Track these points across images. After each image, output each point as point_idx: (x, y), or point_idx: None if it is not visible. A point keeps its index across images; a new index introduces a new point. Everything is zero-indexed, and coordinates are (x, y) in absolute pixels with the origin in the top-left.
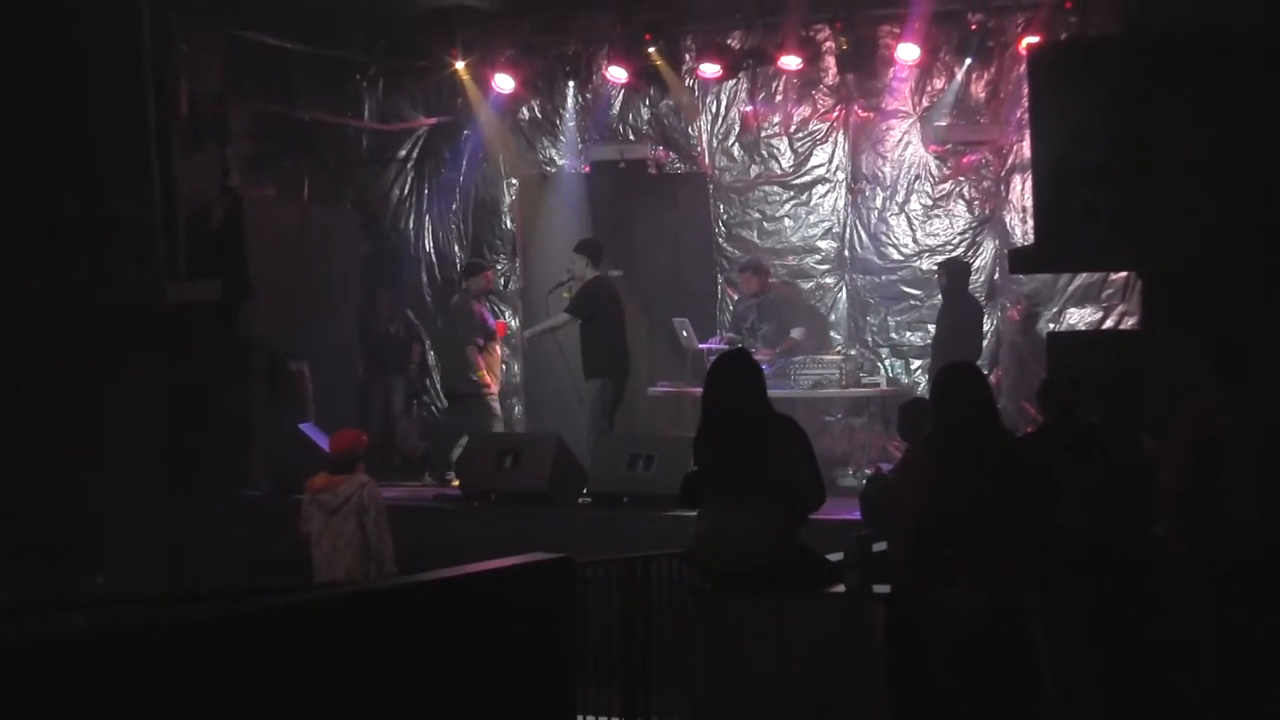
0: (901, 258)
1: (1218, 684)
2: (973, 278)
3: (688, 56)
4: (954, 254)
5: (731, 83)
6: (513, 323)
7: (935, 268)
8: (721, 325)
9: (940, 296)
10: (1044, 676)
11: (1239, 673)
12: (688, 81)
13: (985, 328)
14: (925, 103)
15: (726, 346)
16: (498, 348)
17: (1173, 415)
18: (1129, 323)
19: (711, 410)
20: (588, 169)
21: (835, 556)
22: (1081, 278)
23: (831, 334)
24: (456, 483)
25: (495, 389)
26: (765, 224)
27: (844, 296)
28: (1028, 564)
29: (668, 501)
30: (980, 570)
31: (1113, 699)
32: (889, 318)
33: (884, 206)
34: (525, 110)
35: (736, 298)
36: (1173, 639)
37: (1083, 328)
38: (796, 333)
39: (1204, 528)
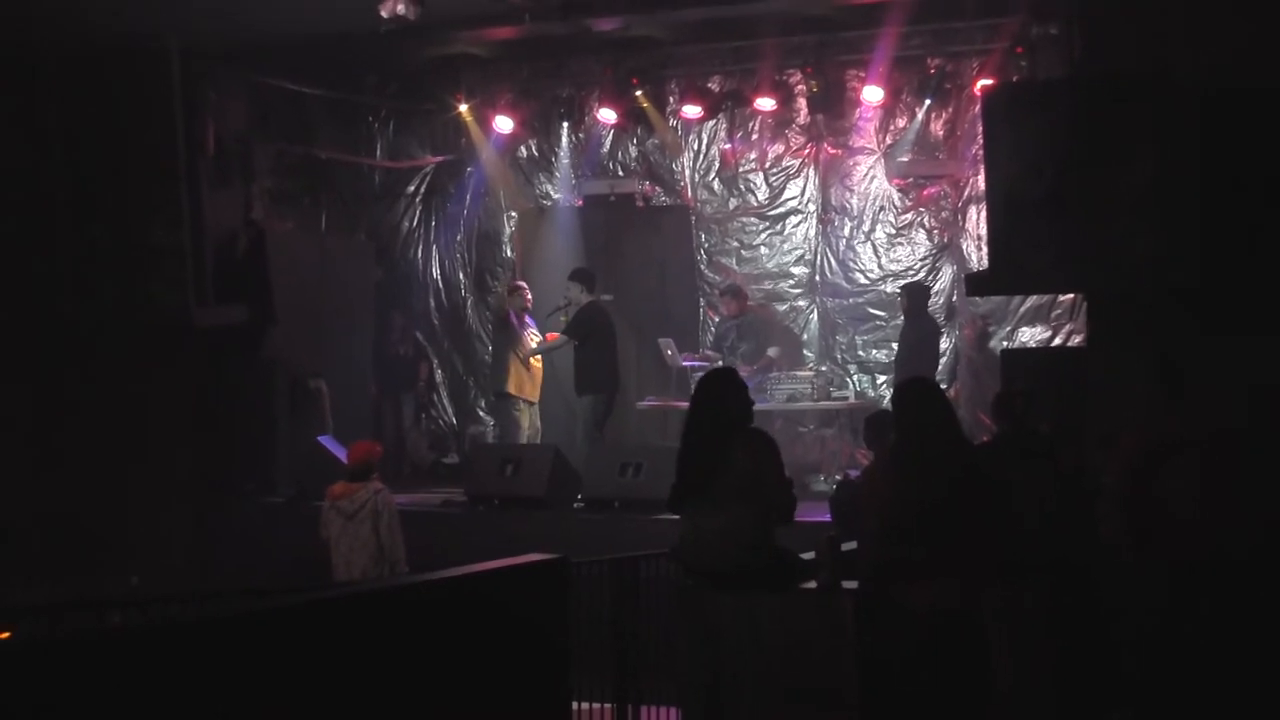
0: (868, 282)
1: (1163, 672)
2: (932, 300)
3: (671, 99)
4: (915, 278)
5: (711, 123)
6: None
7: (899, 290)
8: (703, 344)
9: (903, 317)
10: (997, 668)
11: (1184, 661)
12: (671, 122)
13: (944, 345)
14: (889, 140)
15: (706, 364)
16: (533, 360)
17: (1117, 425)
18: (1076, 340)
19: (693, 422)
20: (581, 202)
21: (807, 555)
22: (1032, 299)
23: (804, 352)
24: None
25: (518, 394)
26: (743, 252)
27: (815, 318)
28: (983, 563)
29: (655, 506)
30: (940, 569)
31: (1065, 689)
32: (856, 337)
33: (851, 235)
34: (523, 149)
35: (717, 319)
36: (1120, 632)
37: (1033, 345)
38: (773, 351)
39: (1147, 530)
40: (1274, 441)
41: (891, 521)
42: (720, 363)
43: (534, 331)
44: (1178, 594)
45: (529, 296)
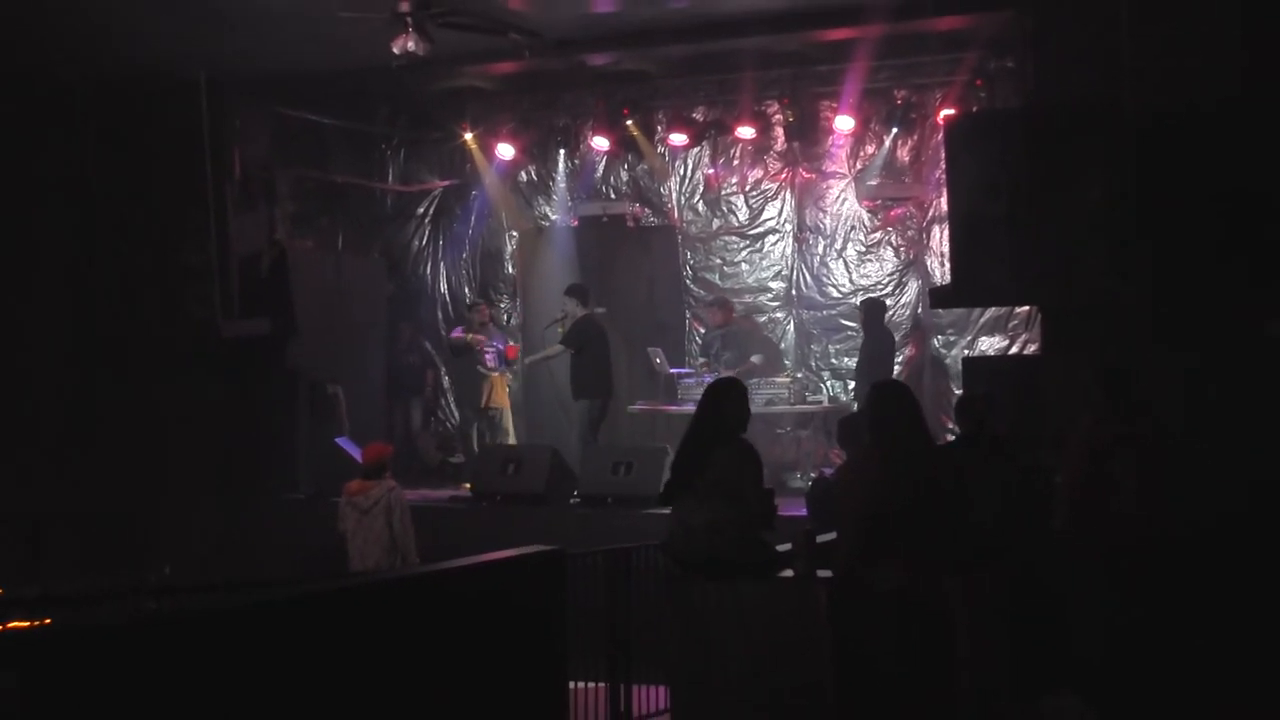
0: (840, 295)
1: (1107, 645)
2: (900, 312)
3: (659, 128)
4: (883, 293)
5: (696, 150)
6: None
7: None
8: (690, 354)
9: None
10: (958, 642)
11: (1125, 634)
12: (659, 149)
13: (909, 353)
14: (859, 165)
15: (691, 370)
16: (491, 372)
17: (1068, 428)
18: (1031, 349)
19: (693, 425)
20: (576, 223)
21: (784, 547)
22: (991, 311)
23: (782, 360)
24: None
25: (488, 405)
26: (725, 268)
27: (792, 328)
28: (947, 552)
29: (646, 501)
30: (908, 556)
31: (1019, 667)
32: (830, 346)
33: (824, 253)
34: (523, 174)
35: (704, 330)
36: (1069, 610)
37: (992, 353)
38: (755, 359)
39: (1094, 521)
40: (1209, 443)
41: (867, 514)
42: (706, 369)
43: (492, 344)
44: (1120, 580)
45: (484, 310)
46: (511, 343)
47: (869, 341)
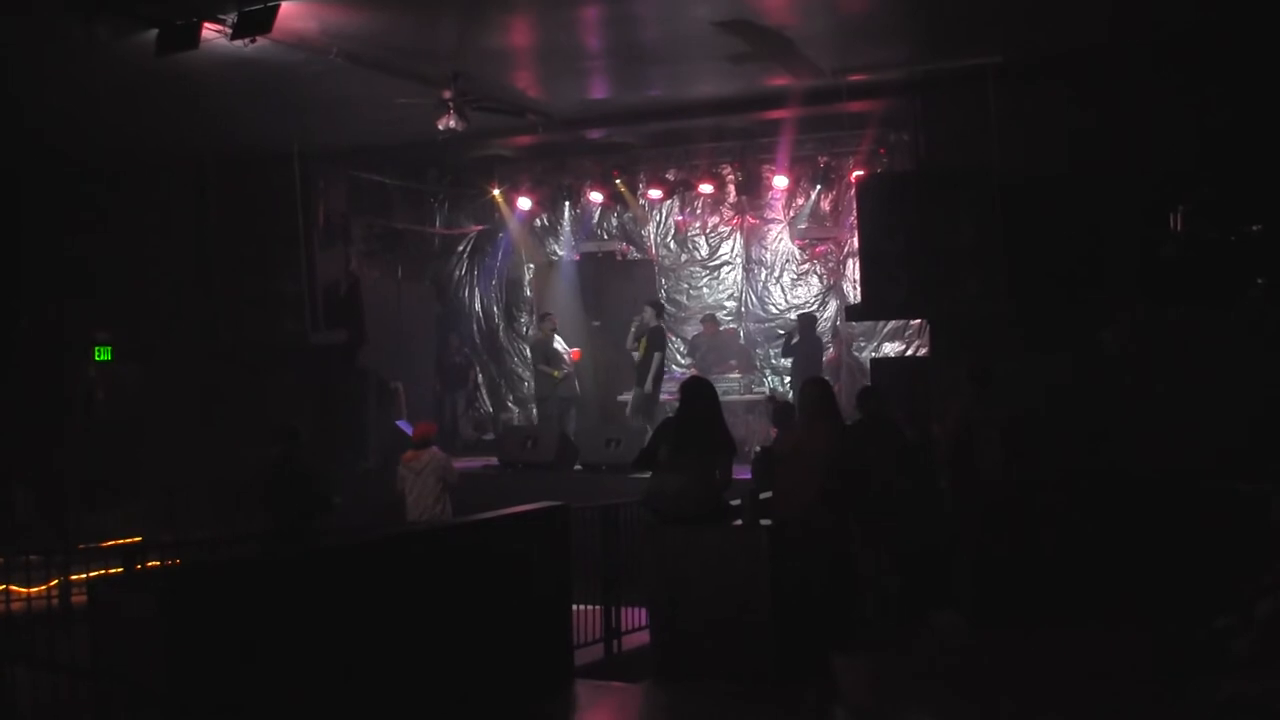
0: (778, 312)
1: (977, 573)
2: (821, 325)
3: (640, 185)
4: (810, 310)
5: (668, 202)
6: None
7: (795, 319)
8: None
9: (798, 337)
10: (863, 572)
11: (990, 564)
12: (640, 201)
13: (828, 355)
14: (792, 213)
15: (671, 369)
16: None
17: (948, 411)
18: (922, 352)
19: (677, 412)
20: (578, 257)
21: (735, 502)
22: (892, 323)
23: (732, 361)
24: None
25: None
26: (691, 292)
27: (742, 337)
28: (852, 499)
29: (631, 468)
30: (829, 503)
31: (909, 591)
32: (770, 350)
33: (766, 279)
34: (538, 220)
35: (690, 338)
36: (948, 547)
37: (893, 355)
38: (733, 362)
39: (966, 481)
40: (1052, 424)
41: (795, 475)
42: (693, 369)
43: (567, 349)
44: (986, 524)
45: (553, 321)
46: (574, 348)
47: (803, 345)
